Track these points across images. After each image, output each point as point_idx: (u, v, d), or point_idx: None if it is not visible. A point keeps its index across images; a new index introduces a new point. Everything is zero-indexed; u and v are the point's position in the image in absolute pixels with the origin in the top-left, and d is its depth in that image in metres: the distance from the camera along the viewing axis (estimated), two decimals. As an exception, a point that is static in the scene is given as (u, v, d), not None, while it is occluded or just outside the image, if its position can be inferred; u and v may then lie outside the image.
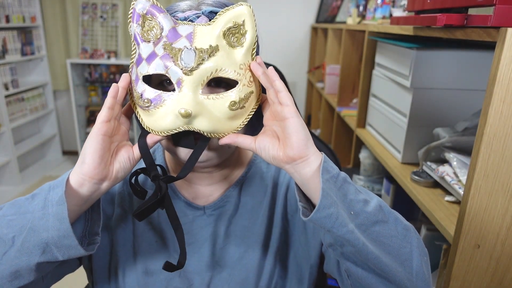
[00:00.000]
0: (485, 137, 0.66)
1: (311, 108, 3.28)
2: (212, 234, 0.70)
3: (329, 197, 0.50)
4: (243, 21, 0.56)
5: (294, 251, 0.72)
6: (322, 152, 0.54)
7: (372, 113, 1.49)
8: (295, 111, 0.53)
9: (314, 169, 0.52)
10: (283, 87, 0.54)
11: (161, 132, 0.56)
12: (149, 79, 0.59)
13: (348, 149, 2.10)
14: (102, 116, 0.54)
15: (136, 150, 0.58)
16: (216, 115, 0.55)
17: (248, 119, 0.59)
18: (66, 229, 0.51)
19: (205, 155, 0.61)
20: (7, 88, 2.98)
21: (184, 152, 0.61)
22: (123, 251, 0.70)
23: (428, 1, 0.86)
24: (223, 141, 0.57)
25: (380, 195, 1.44)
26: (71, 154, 3.88)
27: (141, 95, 0.56)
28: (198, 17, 0.58)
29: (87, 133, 3.51)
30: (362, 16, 2.05)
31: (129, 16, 0.57)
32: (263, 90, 0.61)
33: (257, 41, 0.58)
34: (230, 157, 0.69)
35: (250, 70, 0.57)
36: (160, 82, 0.60)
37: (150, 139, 0.57)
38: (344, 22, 2.26)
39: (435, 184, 0.99)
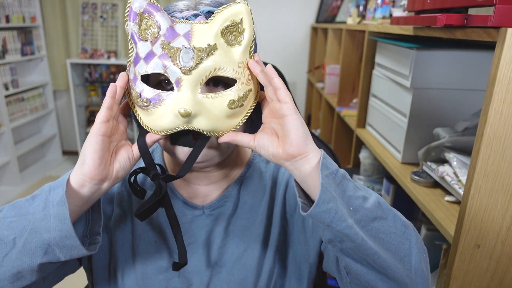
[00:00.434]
0: (485, 137, 0.66)
1: (311, 108, 3.28)
2: (211, 234, 0.70)
3: (328, 192, 0.50)
4: (241, 19, 0.56)
5: (293, 250, 0.72)
6: (321, 149, 0.54)
7: (372, 113, 1.49)
8: (294, 108, 0.53)
9: (313, 166, 0.52)
10: (281, 84, 0.54)
11: (160, 132, 0.56)
12: (147, 78, 0.59)
13: (348, 149, 2.10)
14: (101, 116, 0.54)
15: (135, 149, 0.58)
16: (215, 114, 0.55)
17: (246, 117, 0.59)
18: (67, 229, 0.51)
19: (205, 154, 0.61)
20: (7, 88, 2.98)
21: (183, 152, 0.61)
22: (122, 251, 0.70)
23: (428, 1, 0.86)
24: (222, 139, 0.57)
25: (380, 195, 1.44)
26: (71, 154, 3.88)
27: (140, 94, 0.56)
28: (196, 17, 0.58)
29: (87, 133, 3.47)
30: (362, 16, 2.05)
31: (125, 15, 0.56)
32: (261, 87, 0.61)
33: (255, 39, 0.58)
34: (229, 156, 0.69)
35: (248, 68, 0.57)
36: (159, 82, 0.60)
37: (149, 138, 0.57)
38: (344, 22, 2.26)
39: (435, 184, 0.99)
